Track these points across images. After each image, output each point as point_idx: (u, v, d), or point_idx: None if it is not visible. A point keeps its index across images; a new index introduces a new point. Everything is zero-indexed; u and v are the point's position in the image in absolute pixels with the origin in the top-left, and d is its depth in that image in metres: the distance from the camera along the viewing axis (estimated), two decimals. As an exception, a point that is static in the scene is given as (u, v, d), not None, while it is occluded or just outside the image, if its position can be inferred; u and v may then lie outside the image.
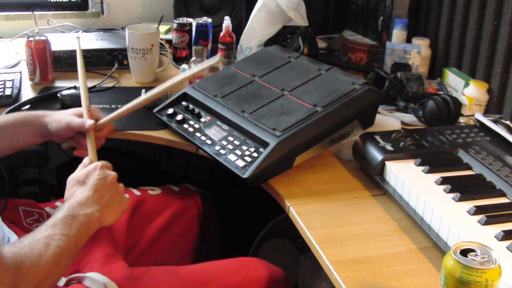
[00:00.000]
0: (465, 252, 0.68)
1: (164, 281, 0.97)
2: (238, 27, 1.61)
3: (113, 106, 1.36)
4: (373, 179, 1.04)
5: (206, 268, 1.03)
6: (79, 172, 0.96)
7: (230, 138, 1.10)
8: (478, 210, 0.88)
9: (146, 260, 1.14)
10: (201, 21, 1.62)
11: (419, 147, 1.06)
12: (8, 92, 1.36)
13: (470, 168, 1.03)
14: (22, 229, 1.03)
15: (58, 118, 1.08)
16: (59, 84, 1.50)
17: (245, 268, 1.05)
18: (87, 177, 0.94)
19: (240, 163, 1.03)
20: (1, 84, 1.38)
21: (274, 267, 1.09)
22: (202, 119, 1.18)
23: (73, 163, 1.31)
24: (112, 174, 0.96)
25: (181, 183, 1.35)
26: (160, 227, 1.18)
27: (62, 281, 0.94)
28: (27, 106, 1.34)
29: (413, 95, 1.39)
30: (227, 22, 1.57)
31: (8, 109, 1.30)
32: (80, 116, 1.09)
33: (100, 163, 0.97)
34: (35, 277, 0.77)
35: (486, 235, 0.83)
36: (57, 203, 1.12)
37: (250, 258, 1.13)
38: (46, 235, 0.81)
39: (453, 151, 1.07)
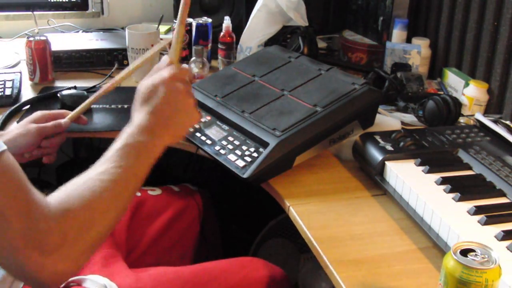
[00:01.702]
0: (465, 252, 0.68)
1: (164, 281, 0.97)
2: (238, 27, 1.61)
3: (113, 106, 1.36)
4: (373, 179, 1.04)
5: (206, 268, 1.03)
6: (149, 80, 0.87)
7: (230, 138, 1.10)
8: (478, 210, 0.88)
9: (147, 261, 1.14)
10: (201, 21, 1.62)
11: (419, 147, 1.06)
12: (8, 92, 1.36)
13: (470, 168, 1.03)
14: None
15: (19, 133, 1.05)
16: (59, 84, 1.50)
17: (245, 268, 1.05)
18: (156, 90, 0.85)
19: (240, 163, 1.03)
20: (1, 84, 1.38)
21: (275, 267, 1.09)
22: (202, 119, 1.18)
23: (73, 163, 1.32)
24: (182, 86, 0.88)
25: (181, 183, 1.35)
26: (161, 227, 1.18)
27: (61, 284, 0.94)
28: (27, 106, 1.34)
29: (413, 95, 1.39)
30: (227, 22, 1.57)
31: (9, 110, 1.30)
32: (37, 121, 1.07)
33: (173, 71, 0.88)
34: (88, 217, 0.71)
35: (486, 235, 0.83)
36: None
37: (250, 258, 1.13)
38: (99, 171, 0.75)
39: (453, 151, 1.07)
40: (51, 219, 0.68)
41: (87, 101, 1.12)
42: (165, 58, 0.92)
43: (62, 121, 1.09)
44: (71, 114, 1.11)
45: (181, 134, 0.90)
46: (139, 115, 0.84)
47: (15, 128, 1.08)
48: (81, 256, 0.71)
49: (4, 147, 0.68)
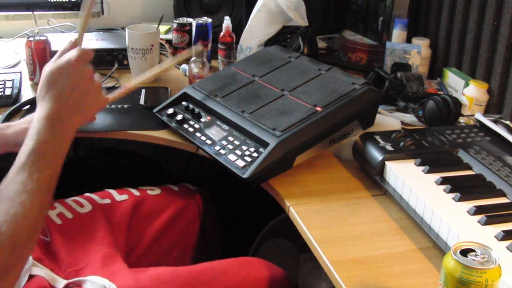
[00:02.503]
0: (465, 252, 0.68)
1: (164, 281, 0.97)
2: (238, 27, 1.61)
3: (113, 106, 1.36)
4: (373, 179, 1.04)
5: (206, 268, 1.03)
6: (56, 64, 0.87)
7: (230, 138, 1.10)
8: (478, 210, 0.88)
9: (146, 261, 1.14)
10: (201, 21, 1.62)
11: (419, 147, 1.06)
12: (8, 92, 1.36)
13: (470, 168, 1.03)
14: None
15: (27, 128, 1.05)
16: (59, 84, 1.49)
17: (245, 268, 1.05)
18: (62, 73, 0.85)
19: (240, 163, 1.03)
20: (1, 84, 1.38)
21: (275, 267, 1.09)
22: (202, 119, 1.18)
23: (73, 163, 1.32)
24: (87, 69, 0.88)
25: (181, 183, 1.35)
26: (160, 227, 1.18)
27: (61, 284, 0.94)
28: (27, 106, 1.34)
29: (413, 95, 1.39)
30: (227, 22, 1.57)
31: (9, 110, 1.30)
32: None
33: (75, 53, 0.87)
34: (18, 238, 0.72)
35: (486, 235, 0.83)
36: (56, 204, 1.12)
37: (250, 258, 1.13)
38: (24, 180, 0.75)
39: (453, 151, 1.07)
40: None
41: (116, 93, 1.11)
42: (70, 40, 0.91)
43: None
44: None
45: (90, 117, 0.90)
46: (46, 104, 0.84)
47: (23, 121, 1.07)
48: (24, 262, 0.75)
49: None
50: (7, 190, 0.75)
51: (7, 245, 0.71)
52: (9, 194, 0.74)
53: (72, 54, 0.87)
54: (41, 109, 0.84)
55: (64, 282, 0.94)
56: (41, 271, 0.91)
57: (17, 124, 1.07)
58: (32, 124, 0.82)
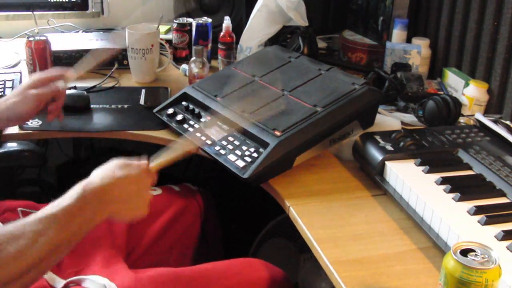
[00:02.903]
0: (465, 252, 0.68)
1: (164, 282, 0.97)
2: (238, 27, 1.61)
3: (113, 106, 1.36)
4: (373, 179, 1.04)
5: (206, 269, 1.03)
6: (125, 159, 0.88)
7: (230, 138, 1.10)
8: (478, 210, 0.88)
9: (147, 260, 1.13)
10: (201, 21, 1.62)
11: (419, 147, 1.06)
12: (8, 92, 1.36)
13: (470, 168, 1.03)
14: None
15: (17, 101, 1.05)
16: (59, 84, 1.49)
17: (245, 269, 1.05)
18: (126, 166, 0.85)
19: (240, 163, 1.03)
20: (1, 84, 1.38)
21: (275, 268, 1.09)
22: (202, 119, 1.18)
23: (73, 163, 1.32)
24: (150, 179, 0.89)
25: (181, 183, 1.35)
26: (161, 227, 1.18)
27: (61, 284, 0.94)
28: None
29: (413, 95, 1.39)
30: (227, 22, 1.57)
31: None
32: (35, 86, 1.07)
33: (149, 165, 0.90)
34: (5, 271, 0.70)
35: (486, 235, 0.83)
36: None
37: (250, 259, 1.13)
38: (37, 229, 0.74)
39: (453, 151, 1.07)
40: None
41: (84, 62, 1.14)
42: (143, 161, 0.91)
43: (60, 85, 1.09)
44: (68, 74, 1.12)
45: (126, 216, 0.88)
46: (102, 176, 0.83)
47: (12, 95, 1.07)
48: None
49: None
50: (19, 226, 0.74)
51: None
52: (19, 229, 0.73)
53: (145, 165, 0.89)
54: (92, 180, 0.82)
55: (63, 282, 0.94)
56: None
57: (6, 99, 1.06)
58: (78, 186, 0.80)
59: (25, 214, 1.08)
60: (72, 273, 0.98)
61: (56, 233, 0.75)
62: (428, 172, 1.00)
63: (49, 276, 0.93)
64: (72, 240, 0.78)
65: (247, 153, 1.05)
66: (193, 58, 1.47)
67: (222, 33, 1.57)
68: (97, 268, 0.98)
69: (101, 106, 1.36)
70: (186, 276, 1.00)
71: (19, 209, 1.09)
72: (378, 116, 1.21)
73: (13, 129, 1.21)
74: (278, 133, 1.05)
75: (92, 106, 1.34)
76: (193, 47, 1.59)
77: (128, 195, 0.84)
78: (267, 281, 1.04)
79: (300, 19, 1.49)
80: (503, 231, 0.83)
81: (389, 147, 1.05)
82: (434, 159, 1.03)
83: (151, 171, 0.89)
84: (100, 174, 0.83)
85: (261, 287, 1.03)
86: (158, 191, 1.25)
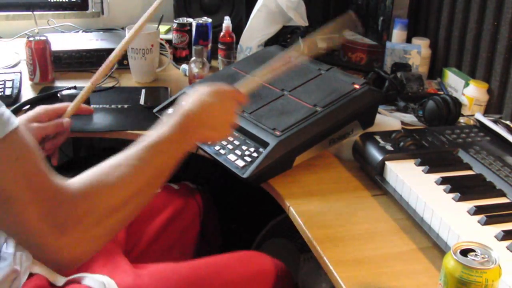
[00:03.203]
0: (465, 252, 0.68)
1: (164, 277, 0.97)
2: (238, 27, 1.61)
3: (113, 106, 1.36)
4: (373, 179, 1.04)
5: (206, 263, 1.03)
6: (212, 84, 0.93)
7: (230, 138, 1.10)
8: (478, 210, 0.88)
9: (146, 258, 1.13)
10: (201, 21, 1.62)
11: (419, 147, 1.06)
12: (8, 92, 1.36)
13: (470, 168, 1.03)
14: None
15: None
16: (59, 84, 1.50)
17: (246, 262, 1.05)
18: (214, 94, 0.91)
19: (240, 163, 1.03)
20: (1, 84, 1.38)
21: (276, 261, 1.08)
22: (202, 119, 1.18)
23: (73, 163, 1.32)
24: (235, 105, 0.94)
25: (181, 181, 1.34)
26: (161, 225, 1.18)
27: (61, 282, 0.94)
28: (27, 106, 1.34)
29: (413, 95, 1.39)
30: (227, 22, 1.57)
31: (9, 110, 1.29)
32: (36, 121, 1.06)
33: (239, 92, 0.96)
34: (109, 204, 0.72)
35: (486, 235, 0.83)
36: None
37: (251, 251, 1.12)
38: (130, 157, 0.77)
39: (453, 151, 1.07)
40: (71, 203, 0.69)
41: (81, 93, 1.13)
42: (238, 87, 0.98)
43: (64, 120, 1.08)
44: (68, 110, 1.11)
45: (213, 139, 0.96)
46: (192, 102, 0.88)
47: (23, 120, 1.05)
48: (98, 241, 0.73)
49: (17, 123, 0.67)
50: (115, 163, 0.76)
51: (77, 196, 0.70)
52: (114, 168, 0.76)
53: (232, 87, 0.96)
54: (185, 105, 0.88)
55: (64, 279, 0.94)
56: (41, 269, 0.91)
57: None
58: (175, 116, 0.86)
59: None
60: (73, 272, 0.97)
61: (161, 161, 0.80)
62: (428, 172, 1.00)
63: (50, 274, 0.93)
64: (173, 166, 0.82)
65: (247, 152, 1.05)
66: (193, 58, 1.47)
67: (222, 33, 1.57)
68: (97, 264, 0.97)
69: (101, 106, 1.36)
70: (186, 271, 0.99)
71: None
72: (378, 116, 1.21)
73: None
74: (278, 133, 1.05)
75: (92, 106, 1.34)
76: (193, 47, 1.59)
77: (215, 119, 0.90)
78: (268, 273, 1.04)
79: (300, 19, 1.49)
80: (503, 231, 0.83)
81: (389, 147, 1.05)
82: (434, 159, 1.03)
83: (235, 97, 0.94)
84: (192, 101, 0.88)
85: (263, 279, 1.03)
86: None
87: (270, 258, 1.08)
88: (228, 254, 1.06)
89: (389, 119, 1.29)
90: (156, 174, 0.80)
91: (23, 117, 1.07)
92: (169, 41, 1.67)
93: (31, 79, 1.48)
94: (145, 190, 0.78)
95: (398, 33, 1.63)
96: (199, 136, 0.89)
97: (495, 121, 1.21)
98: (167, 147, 0.81)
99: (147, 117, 1.29)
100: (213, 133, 0.92)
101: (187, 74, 1.50)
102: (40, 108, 1.08)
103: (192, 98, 0.89)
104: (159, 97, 1.40)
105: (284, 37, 1.58)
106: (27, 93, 1.42)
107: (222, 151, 1.08)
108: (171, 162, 0.82)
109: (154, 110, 1.27)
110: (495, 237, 0.83)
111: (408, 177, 0.97)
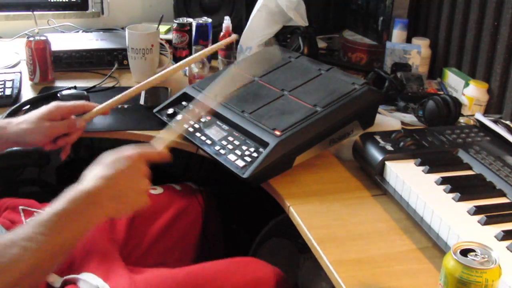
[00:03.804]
0: (465, 252, 0.68)
1: (160, 283, 0.96)
2: (238, 27, 1.61)
3: (113, 106, 1.36)
4: (373, 179, 1.04)
5: (203, 270, 1.02)
6: (117, 152, 0.86)
7: (230, 138, 1.10)
8: (478, 210, 0.88)
9: (148, 260, 1.13)
10: (201, 21, 1.62)
11: (419, 147, 1.06)
12: (8, 92, 1.36)
13: (470, 168, 1.03)
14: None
15: (28, 128, 1.03)
16: (59, 84, 1.50)
17: (243, 268, 1.05)
18: (119, 160, 0.84)
19: (240, 163, 1.03)
20: (1, 84, 1.38)
21: (273, 267, 1.08)
22: (202, 119, 1.18)
23: (73, 163, 1.32)
24: (142, 168, 0.87)
25: (183, 182, 1.34)
26: (162, 226, 1.18)
27: (59, 282, 0.94)
28: (27, 106, 1.34)
29: (413, 95, 1.39)
30: (227, 22, 1.57)
31: (9, 110, 1.30)
32: (49, 118, 1.05)
33: (141, 149, 0.87)
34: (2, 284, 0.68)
35: (486, 235, 0.83)
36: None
37: (249, 258, 1.12)
38: (25, 236, 0.71)
39: (453, 151, 1.07)
40: None
41: (109, 101, 1.12)
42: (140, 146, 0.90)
43: (77, 121, 1.08)
44: (86, 115, 1.10)
45: (125, 211, 0.86)
46: (92, 178, 0.81)
47: (26, 119, 1.04)
48: None
49: None
50: (9, 240, 0.71)
51: None
52: (8, 239, 0.71)
53: (138, 149, 0.87)
54: (84, 182, 0.81)
55: (60, 280, 0.94)
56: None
57: (19, 123, 1.05)
58: (71, 189, 0.79)
59: (27, 212, 1.08)
60: (67, 269, 0.97)
61: (48, 239, 0.73)
62: (428, 172, 1.00)
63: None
64: (66, 245, 0.76)
65: (247, 153, 1.05)
66: (193, 58, 1.46)
67: (222, 33, 1.57)
68: (94, 265, 0.97)
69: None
70: (183, 276, 0.99)
71: (20, 207, 1.09)
72: (378, 116, 1.21)
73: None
74: (278, 133, 1.05)
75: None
76: (193, 47, 1.59)
77: (121, 193, 0.83)
78: (266, 280, 1.04)
79: (300, 19, 1.49)
80: (503, 231, 0.83)
81: (389, 147, 1.05)
82: (434, 159, 1.03)
83: (142, 158, 0.87)
84: (91, 175, 0.82)
85: (259, 286, 1.03)
86: (159, 190, 1.25)
87: (268, 264, 1.08)
88: (226, 260, 1.06)
89: (389, 119, 1.29)
90: (47, 252, 0.73)
91: (36, 114, 1.05)
92: (169, 41, 1.67)
93: (31, 79, 1.48)
94: (41, 266, 0.73)
95: (398, 33, 1.63)
96: (107, 211, 0.81)
97: (495, 121, 1.21)
98: (56, 225, 0.74)
99: (147, 117, 1.29)
100: (124, 206, 0.84)
101: (187, 74, 1.50)
102: (52, 105, 1.06)
103: (91, 171, 0.83)
104: (159, 97, 1.40)
105: (284, 37, 1.58)
106: (27, 93, 1.42)
107: (222, 151, 1.08)
108: (61, 239, 0.75)
109: (154, 110, 1.27)
110: (495, 237, 0.83)
111: (408, 177, 0.97)
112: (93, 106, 1.12)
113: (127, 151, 0.86)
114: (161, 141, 0.95)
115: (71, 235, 0.77)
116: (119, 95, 1.13)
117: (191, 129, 1.16)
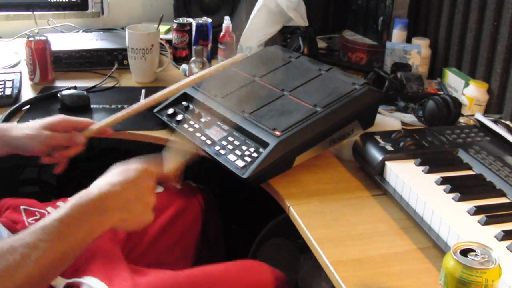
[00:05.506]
0: (465, 252, 0.68)
1: (162, 286, 0.96)
2: (238, 27, 1.61)
3: (113, 106, 1.36)
4: (373, 179, 1.04)
5: (205, 272, 1.02)
6: (128, 164, 0.86)
7: (230, 138, 1.10)
8: (478, 210, 0.88)
9: (148, 259, 1.13)
10: (201, 21, 1.62)
11: (419, 147, 1.06)
12: (8, 92, 1.36)
13: (470, 168, 1.03)
14: (23, 228, 1.02)
15: (29, 134, 1.03)
16: (59, 84, 1.50)
17: (245, 272, 1.05)
18: (128, 172, 0.84)
19: (240, 163, 1.03)
20: (1, 84, 1.38)
21: (275, 270, 1.08)
22: (202, 119, 1.18)
23: (73, 163, 1.31)
24: (150, 182, 0.87)
25: (183, 181, 1.34)
26: (163, 225, 1.18)
27: (61, 284, 0.94)
28: (27, 106, 1.34)
29: (413, 95, 1.39)
30: (227, 22, 1.57)
31: (9, 110, 1.30)
32: (50, 129, 1.05)
33: (155, 170, 0.88)
34: None
35: (486, 235, 0.83)
36: (59, 203, 1.11)
37: (250, 261, 1.12)
38: (25, 242, 0.69)
39: (453, 151, 1.07)
40: None
41: (111, 118, 1.13)
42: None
43: (78, 137, 1.08)
44: (87, 131, 1.10)
45: (131, 224, 0.86)
46: (99, 185, 0.81)
47: (28, 126, 1.05)
48: None
49: None
50: (9, 245, 0.70)
51: None
52: (8, 244, 0.69)
53: (147, 164, 0.88)
54: (90, 189, 0.81)
55: (63, 283, 0.94)
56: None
57: (22, 128, 1.06)
58: (76, 196, 0.79)
59: (28, 212, 1.08)
60: (71, 271, 0.97)
61: (49, 246, 0.71)
62: (428, 172, 1.00)
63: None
64: (69, 253, 0.75)
65: (247, 153, 1.05)
66: (193, 58, 1.47)
67: (222, 33, 1.57)
68: (97, 268, 0.97)
69: (101, 106, 1.36)
70: (184, 280, 0.99)
71: (21, 207, 1.09)
72: (378, 116, 1.21)
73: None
74: (278, 133, 1.05)
75: (92, 106, 1.34)
76: (193, 47, 1.59)
77: (127, 202, 0.82)
78: (267, 283, 1.04)
79: (300, 19, 1.49)
80: (503, 231, 0.83)
81: (389, 147, 1.05)
82: (434, 159, 1.03)
83: (151, 173, 0.88)
84: (98, 183, 0.82)
85: None
86: (160, 189, 1.25)
87: (269, 267, 1.08)
88: (228, 264, 1.06)
89: (389, 119, 1.29)
90: (47, 260, 0.71)
91: (39, 122, 1.06)
92: (169, 41, 1.67)
93: (31, 79, 1.48)
94: (42, 274, 0.71)
95: (398, 33, 1.63)
96: (112, 220, 0.80)
97: (495, 121, 1.21)
98: (59, 231, 0.73)
99: (147, 117, 1.29)
100: (130, 217, 0.83)
101: (187, 74, 1.50)
102: (58, 117, 1.07)
103: (100, 179, 0.82)
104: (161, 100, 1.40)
105: (284, 37, 1.58)
106: (27, 93, 1.42)
107: (222, 151, 1.08)
108: (63, 247, 0.73)
109: (154, 110, 1.27)
110: (495, 237, 0.83)
111: (408, 177, 0.97)
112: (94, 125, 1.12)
113: (136, 164, 0.87)
114: (172, 161, 0.96)
115: (75, 243, 0.75)
116: (119, 114, 1.14)
117: (191, 129, 1.16)
